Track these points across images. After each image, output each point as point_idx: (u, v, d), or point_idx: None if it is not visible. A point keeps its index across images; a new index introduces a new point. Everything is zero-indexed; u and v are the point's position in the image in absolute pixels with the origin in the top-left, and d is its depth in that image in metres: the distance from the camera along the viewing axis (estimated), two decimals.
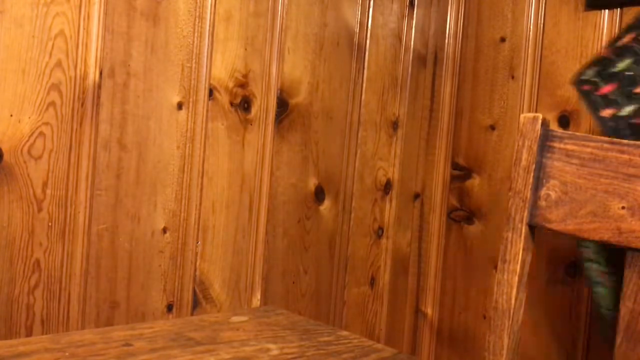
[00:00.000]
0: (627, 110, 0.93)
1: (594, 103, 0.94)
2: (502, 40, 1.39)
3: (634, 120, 0.92)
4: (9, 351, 0.62)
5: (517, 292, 0.80)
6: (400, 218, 1.51)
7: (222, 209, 1.15)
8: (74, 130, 0.96)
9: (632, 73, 0.95)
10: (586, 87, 0.95)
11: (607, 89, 0.94)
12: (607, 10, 1.27)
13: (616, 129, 0.93)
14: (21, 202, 0.92)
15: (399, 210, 1.51)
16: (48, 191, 0.94)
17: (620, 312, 0.73)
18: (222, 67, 1.12)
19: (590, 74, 0.97)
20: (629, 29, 0.98)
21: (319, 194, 1.32)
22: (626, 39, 0.97)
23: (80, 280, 0.99)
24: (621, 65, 0.95)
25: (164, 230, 1.07)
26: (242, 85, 1.16)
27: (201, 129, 1.10)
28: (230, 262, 1.18)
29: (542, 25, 1.32)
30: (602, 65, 0.96)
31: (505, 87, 1.38)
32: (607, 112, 0.93)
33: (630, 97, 0.94)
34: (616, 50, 0.97)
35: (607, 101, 0.94)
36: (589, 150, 0.77)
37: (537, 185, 0.80)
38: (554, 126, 1.22)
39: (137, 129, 1.03)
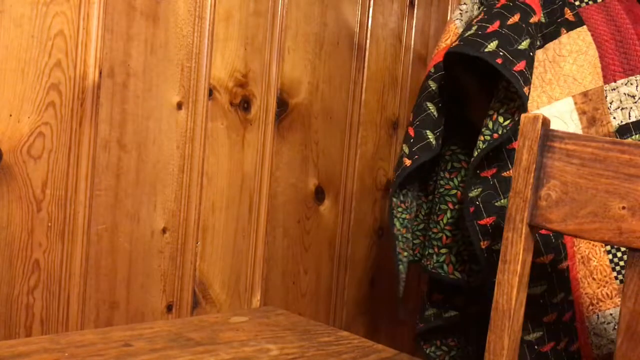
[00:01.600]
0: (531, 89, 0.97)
1: (517, 79, 0.93)
2: None
3: None
4: (8, 351, 0.62)
5: (518, 293, 0.80)
6: None
7: (222, 209, 1.15)
8: (73, 130, 0.96)
9: (532, 54, 0.96)
10: (500, 61, 0.94)
11: (520, 66, 0.94)
12: None
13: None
14: (20, 202, 0.92)
15: None
16: (47, 191, 0.94)
17: (621, 313, 0.73)
18: (222, 66, 1.12)
19: (493, 46, 0.95)
20: (511, 8, 0.99)
21: (319, 194, 1.32)
22: (515, 17, 0.97)
23: (79, 280, 0.98)
24: (524, 44, 0.95)
25: (164, 230, 1.07)
26: (242, 85, 1.16)
27: (201, 129, 1.10)
28: (230, 262, 1.17)
29: None
30: (501, 39, 0.95)
31: None
32: (526, 90, 0.94)
33: (531, 77, 0.97)
34: (510, 27, 0.96)
35: (524, 78, 0.94)
36: (589, 150, 0.77)
37: (538, 185, 0.80)
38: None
39: (136, 129, 1.03)
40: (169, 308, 1.09)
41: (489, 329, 0.81)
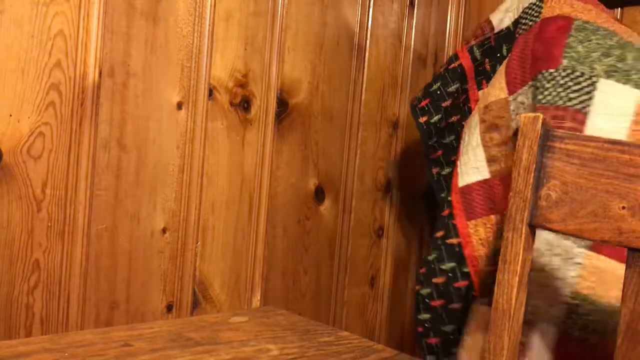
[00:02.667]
0: (436, 118, 1.30)
1: (416, 113, 1.31)
2: None
3: (439, 125, 1.30)
4: (8, 351, 0.62)
5: (518, 293, 0.80)
6: (400, 218, 1.51)
7: (222, 209, 1.15)
8: (73, 130, 0.96)
9: (440, 92, 1.30)
10: (413, 103, 1.32)
11: (424, 103, 1.30)
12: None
13: (428, 131, 1.30)
14: (20, 202, 0.92)
15: (399, 210, 1.51)
16: (47, 191, 0.94)
17: (621, 313, 0.73)
18: (222, 66, 1.12)
19: (420, 93, 1.32)
20: (448, 60, 1.31)
21: (319, 194, 1.32)
22: (442, 68, 1.31)
23: (79, 280, 0.98)
24: (435, 86, 1.30)
25: (164, 230, 1.07)
26: (242, 85, 1.16)
27: (201, 129, 1.10)
28: (230, 262, 1.17)
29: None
30: (425, 87, 1.32)
31: None
32: (423, 119, 1.30)
33: (439, 109, 1.29)
34: (435, 76, 1.33)
35: (423, 111, 1.30)
36: (589, 150, 0.77)
37: (538, 185, 0.80)
38: None
39: (136, 129, 1.03)
40: (169, 308, 1.09)
41: (489, 329, 0.81)
